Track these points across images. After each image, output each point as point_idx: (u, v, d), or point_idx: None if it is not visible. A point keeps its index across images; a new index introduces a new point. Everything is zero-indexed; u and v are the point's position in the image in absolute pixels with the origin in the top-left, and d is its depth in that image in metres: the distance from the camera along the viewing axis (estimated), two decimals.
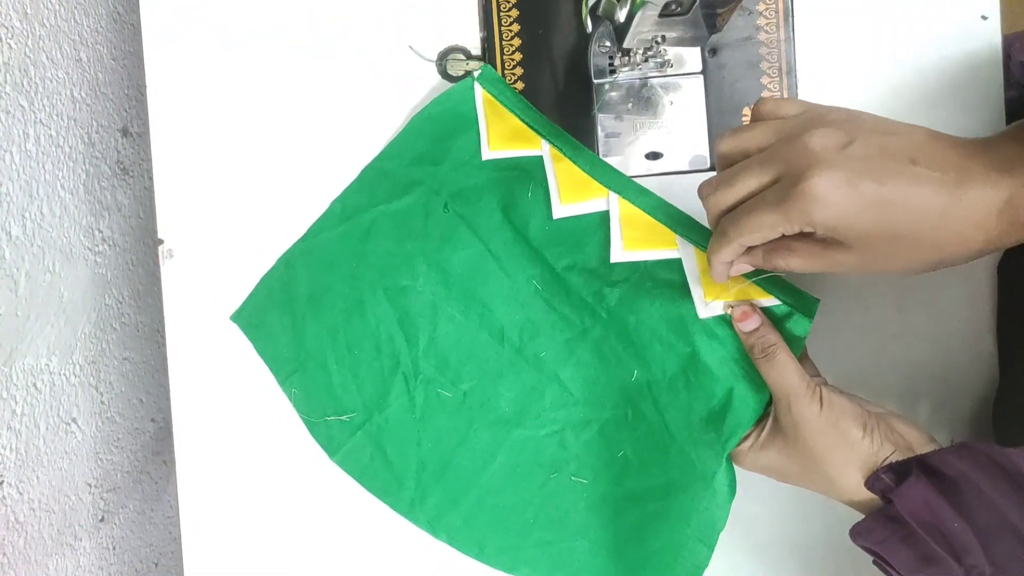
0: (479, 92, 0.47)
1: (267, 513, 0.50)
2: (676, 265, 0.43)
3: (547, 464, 0.46)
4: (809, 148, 0.32)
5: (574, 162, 0.45)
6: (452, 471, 0.46)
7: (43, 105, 0.53)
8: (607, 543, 0.45)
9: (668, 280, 0.43)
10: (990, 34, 0.47)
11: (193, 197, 0.50)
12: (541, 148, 0.46)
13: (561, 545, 0.46)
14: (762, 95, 0.40)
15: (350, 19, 0.49)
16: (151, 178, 0.50)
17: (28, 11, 0.51)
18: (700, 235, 0.43)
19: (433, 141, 0.47)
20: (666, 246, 0.43)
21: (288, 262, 0.49)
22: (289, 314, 0.48)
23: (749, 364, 0.41)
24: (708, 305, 0.42)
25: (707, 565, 0.42)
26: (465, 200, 0.46)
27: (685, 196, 0.48)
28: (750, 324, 0.40)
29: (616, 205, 0.44)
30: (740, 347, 0.42)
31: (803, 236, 0.34)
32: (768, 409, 0.41)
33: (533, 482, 0.46)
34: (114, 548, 0.62)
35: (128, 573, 0.64)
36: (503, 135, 0.46)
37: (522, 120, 0.46)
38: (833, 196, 0.31)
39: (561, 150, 0.45)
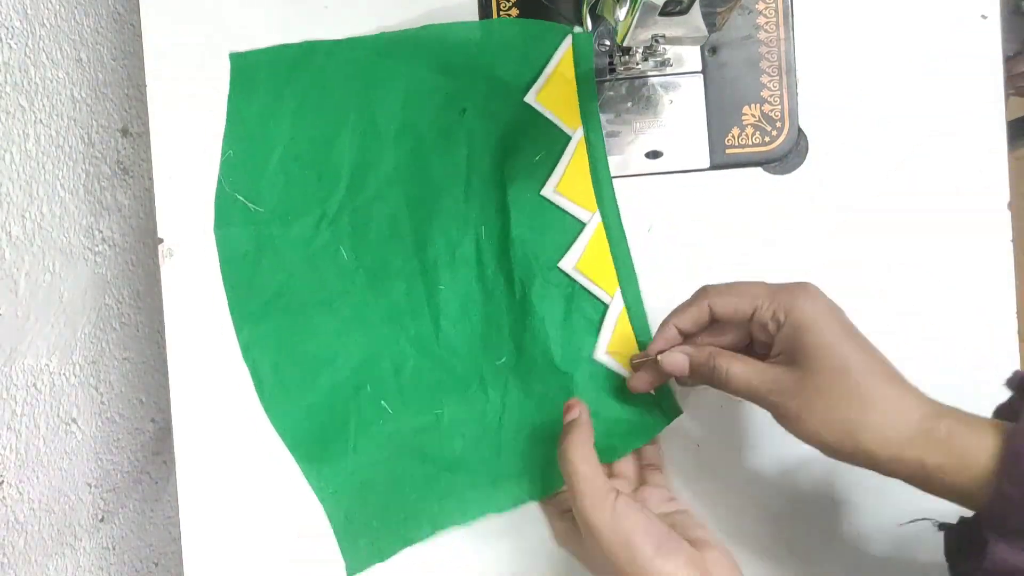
0: (565, 47, 0.46)
1: (267, 513, 0.50)
2: (600, 308, 0.47)
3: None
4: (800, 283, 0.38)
5: (590, 165, 0.46)
6: None
7: (43, 105, 0.53)
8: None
9: (587, 312, 0.47)
10: (990, 33, 0.47)
11: (193, 197, 0.49)
12: (575, 132, 0.46)
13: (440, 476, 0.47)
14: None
15: (349, 18, 0.49)
16: (151, 178, 0.50)
17: (28, 11, 0.51)
18: (635, 298, 0.47)
19: (490, 51, 0.47)
20: (606, 288, 0.46)
21: (312, 49, 0.48)
22: (277, 96, 0.48)
23: (623, 408, 0.46)
24: (607, 355, 0.46)
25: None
26: (481, 117, 0.47)
27: (684, 195, 0.48)
28: (570, 415, 0.41)
29: (592, 228, 0.46)
30: (618, 392, 0.46)
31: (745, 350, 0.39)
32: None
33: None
34: (114, 548, 0.62)
35: (128, 573, 0.64)
36: (555, 96, 0.46)
37: (579, 97, 0.46)
38: (822, 299, 0.36)
39: (589, 147, 0.46)
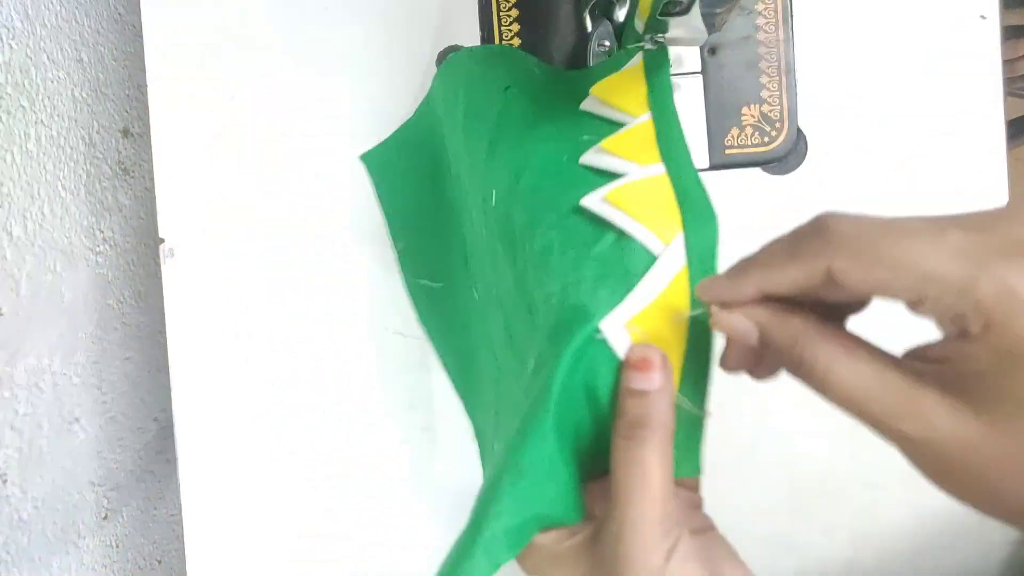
0: (636, 60, 0.37)
1: (270, 511, 0.50)
2: (643, 260, 0.29)
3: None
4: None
5: (659, 127, 0.33)
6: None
7: (44, 105, 0.53)
8: None
9: (614, 266, 0.29)
10: (989, 34, 0.47)
11: (194, 197, 0.50)
12: (638, 116, 0.34)
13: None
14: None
15: (349, 18, 0.49)
16: (152, 178, 0.50)
17: (29, 12, 0.51)
18: (707, 250, 0.29)
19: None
20: (656, 231, 0.29)
21: (424, 114, 0.46)
22: (414, 169, 0.46)
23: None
24: (623, 328, 0.27)
25: None
26: (522, 93, 0.39)
27: None
28: (643, 381, 0.25)
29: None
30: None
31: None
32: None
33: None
34: (117, 546, 0.63)
35: (131, 571, 0.65)
36: (616, 85, 0.36)
37: (650, 88, 0.35)
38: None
39: (659, 122, 0.34)
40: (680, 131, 0.33)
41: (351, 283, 0.51)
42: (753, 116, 0.47)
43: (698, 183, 0.30)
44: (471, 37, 0.48)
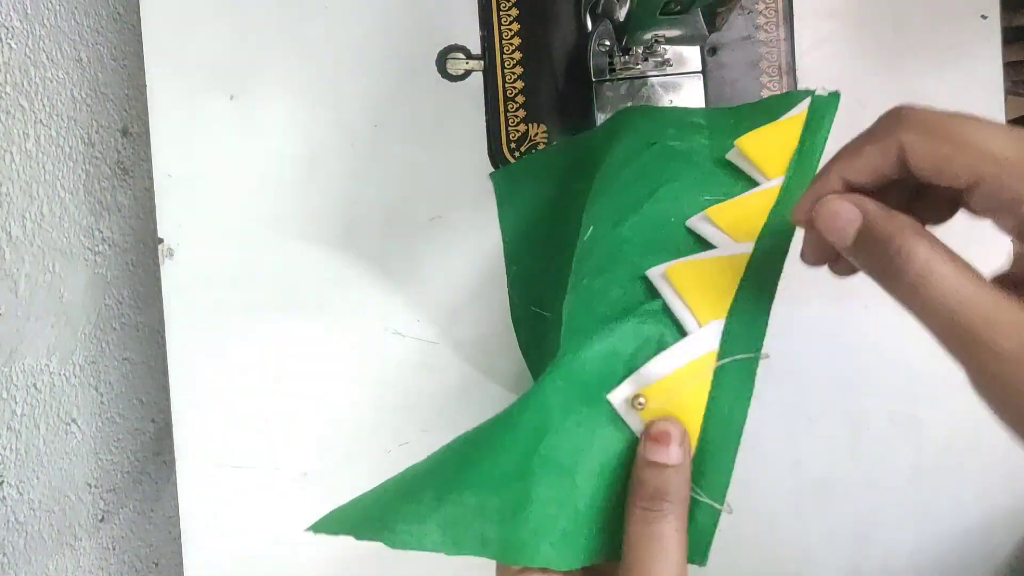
0: (800, 108, 0.35)
1: (267, 513, 0.50)
2: (673, 333, 0.29)
3: None
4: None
5: (773, 210, 0.31)
6: None
7: (43, 105, 0.53)
8: None
9: (647, 332, 0.29)
10: (990, 34, 0.47)
11: (193, 197, 0.49)
12: (772, 180, 0.33)
13: None
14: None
15: (349, 18, 0.49)
16: (151, 178, 0.50)
17: (28, 11, 0.51)
18: (750, 343, 0.28)
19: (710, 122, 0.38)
20: (698, 313, 0.29)
21: (571, 145, 0.45)
22: (542, 195, 0.45)
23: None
24: (623, 403, 0.27)
25: None
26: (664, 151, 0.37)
27: None
28: (663, 454, 0.25)
29: (727, 251, 0.30)
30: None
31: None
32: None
33: None
34: (114, 548, 0.62)
35: (128, 573, 0.64)
36: (763, 144, 0.34)
37: (800, 151, 0.33)
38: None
39: (784, 192, 0.32)
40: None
41: (351, 284, 0.50)
42: None
43: (774, 276, 0.29)
44: (471, 37, 0.48)
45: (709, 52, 0.47)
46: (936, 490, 0.48)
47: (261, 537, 0.49)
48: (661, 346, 0.28)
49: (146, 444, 0.67)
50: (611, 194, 0.36)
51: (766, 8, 0.47)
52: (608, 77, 0.47)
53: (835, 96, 0.35)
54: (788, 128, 0.34)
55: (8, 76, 0.49)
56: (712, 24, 0.40)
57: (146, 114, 0.50)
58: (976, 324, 0.21)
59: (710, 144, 0.36)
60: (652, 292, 0.30)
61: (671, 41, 0.41)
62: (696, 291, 0.29)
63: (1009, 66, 0.51)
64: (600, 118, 0.47)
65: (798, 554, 0.47)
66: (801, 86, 0.47)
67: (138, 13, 0.49)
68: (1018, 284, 0.22)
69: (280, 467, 0.49)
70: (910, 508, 0.46)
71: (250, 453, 0.49)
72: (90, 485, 0.59)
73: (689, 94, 0.47)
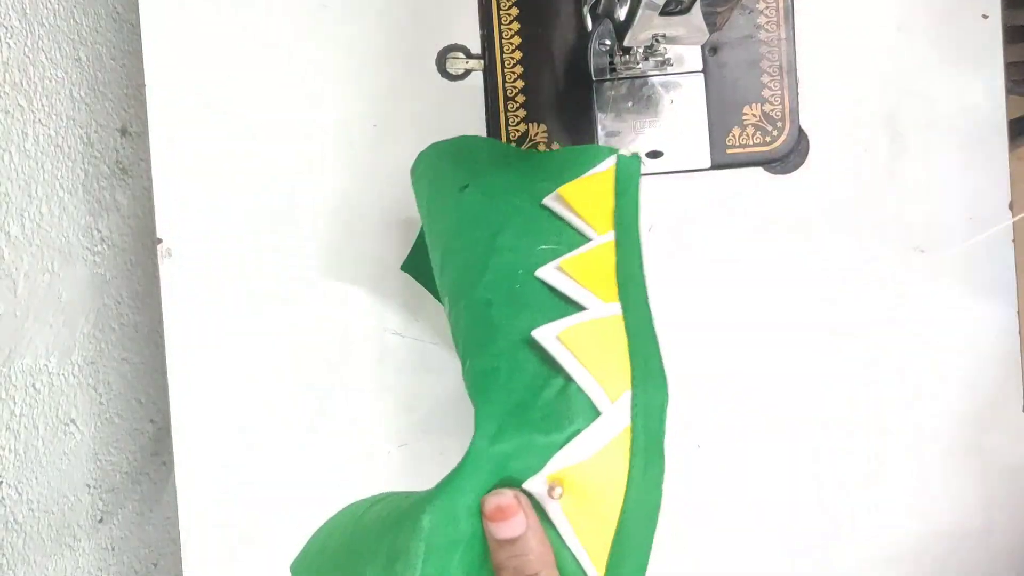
0: (607, 164, 0.35)
1: (266, 514, 0.49)
2: (587, 414, 0.28)
3: None
4: None
5: (618, 264, 0.32)
6: None
7: (42, 104, 0.53)
8: None
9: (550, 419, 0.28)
10: (991, 33, 0.47)
11: (192, 197, 0.49)
12: (602, 234, 0.33)
13: None
14: None
15: (349, 17, 0.49)
16: (150, 178, 0.50)
17: (27, 10, 0.51)
18: (655, 415, 0.28)
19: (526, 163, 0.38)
20: (605, 385, 0.28)
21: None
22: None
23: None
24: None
25: None
26: (481, 194, 0.37)
27: (684, 195, 0.48)
28: (507, 529, 0.25)
29: (599, 313, 0.30)
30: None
31: None
32: None
33: None
34: (113, 549, 0.62)
35: (127, 574, 0.64)
36: (583, 195, 0.34)
37: (617, 207, 0.33)
38: None
39: (620, 250, 0.32)
40: (640, 266, 0.32)
41: (349, 284, 0.50)
42: (755, 115, 0.47)
43: (651, 338, 0.29)
44: (471, 36, 0.48)
45: (710, 51, 0.47)
46: (936, 490, 0.48)
47: (260, 538, 0.49)
48: (572, 426, 0.27)
49: (145, 445, 0.67)
50: (452, 251, 0.36)
51: (767, 7, 0.47)
52: (608, 76, 0.47)
53: (636, 158, 0.34)
54: (601, 183, 0.34)
55: (7, 75, 0.49)
56: (713, 23, 0.40)
57: (145, 113, 0.49)
58: None
59: (520, 183, 0.36)
60: (543, 357, 0.29)
61: (671, 41, 0.41)
62: (596, 361, 0.28)
63: (1011, 66, 0.51)
64: (600, 117, 0.47)
65: (798, 553, 0.47)
66: (802, 86, 0.47)
67: (137, 12, 0.49)
68: None
69: (279, 468, 0.49)
70: (910, 508, 0.45)
71: (249, 454, 0.49)
72: (89, 486, 0.59)
73: (690, 93, 0.47)
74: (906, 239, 0.48)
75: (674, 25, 0.39)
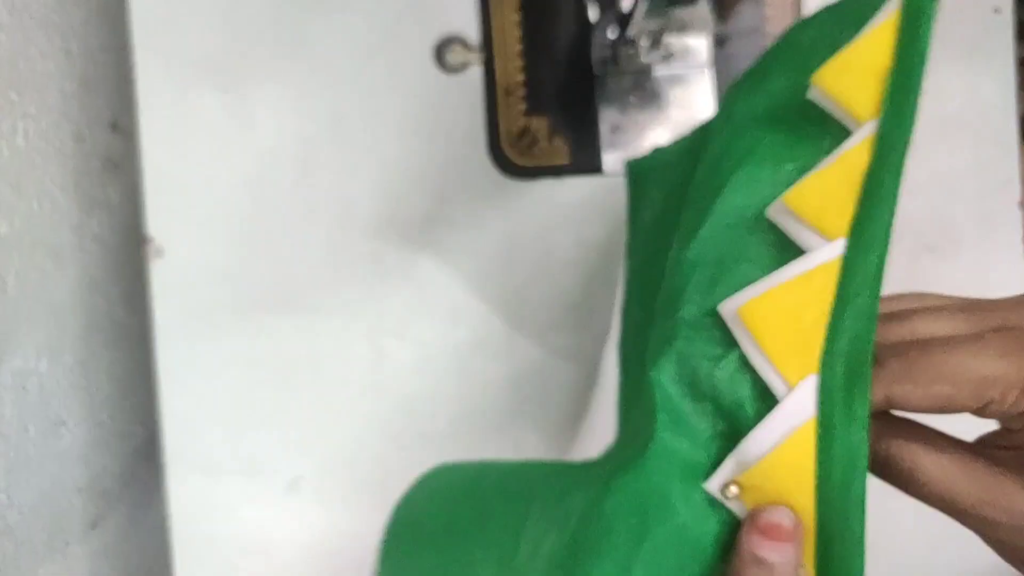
0: (887, 12, 0.24)
1: (261, 518, 0.49)
2: (762, 401, 0.23)
3: None
4: None
5: (867, 177, 0.24)
6: None
7: (32, 99, 0.52)
8: None
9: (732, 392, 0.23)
10: (1003, 28, 0.47)
11: (183, 194, 0.49)
12: (862, 124, 0.24)
13: None
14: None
15: (344, 9, 0.48)
16: (140, 174, 0.50)
17: (16, 2, 0.50)
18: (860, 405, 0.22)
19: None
20: (789, 366, 0.22)
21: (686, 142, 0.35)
22: (667, 186, 0.34)
23: None
24: (718, 491, 0.23)
25: None
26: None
27: None
28: (773, 551, 0.22)
29: (823, 258, 0.23)
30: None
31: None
32: None
33: None
34: (106, 554, 0.62)
35: None
36: (847, 65, 0.24)
37: (893, 77, 0.23)
38: None
39: (881, 149, 0.24)
40: (897, 173, 0.24)
41: (345, 284, 0.50)
42: None
43: (874, 292, 0.22)
44: (470, 27, 0.48)
45: (716, 44, 0.47)
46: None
47: (252, 543, 0.49)
48: (742, 413, 0.23)
49: (137, 447, 0.66)
50: (685, 200, 0.29)
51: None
52: (612, 70, 0.47)
53: None
54: (874, 44, 0.24)
55: None
56: (719, 16, 0.39)
57: (135, 108, 0.49)
58: (967, 503, 0.22)
59: (787, 85, 0.27)
60: (726, 337, 0.24)
61: (677, 32, 0.40)
62: (778, 337, 0.22)
63: (1023, 61, 0.51)
64: (603, 112, 0.47)
65: None
66: None
67: (127, 5, 0.49)
68: (1014, 445, 0.23)
69: (272, 471, 0.49)
70: (911, 509, 0.45)
71: (241, 457, 0.49)
72: (80, 489, 0.59)
73: (695, 87, 0.47)
74: (915, 238, 0.47)
75: (680, 16, 0.39)
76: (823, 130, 0.25)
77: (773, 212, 0.24)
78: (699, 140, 0.31)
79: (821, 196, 0.23)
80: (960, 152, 0.47)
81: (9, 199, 0.50)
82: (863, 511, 0.21)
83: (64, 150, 0.56)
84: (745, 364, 0.23)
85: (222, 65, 0.49)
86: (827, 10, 0.27)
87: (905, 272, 0.47)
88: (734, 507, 0.23)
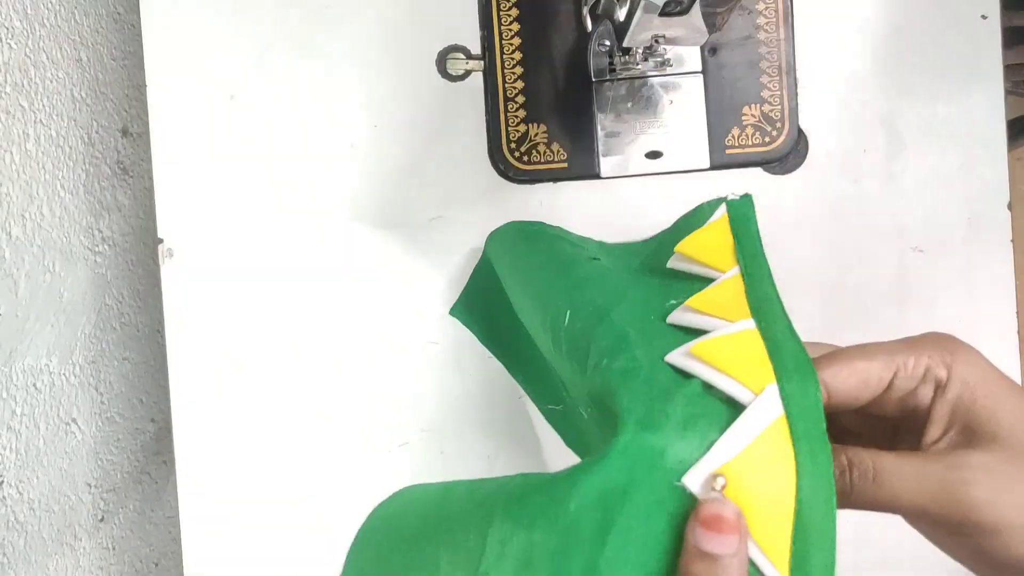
0: (719, 214, 0.35)
1: (267, 513, 0.50)
2: (723, 412, 0.26)
3: None
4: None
5: (747, 286, 0.31)
6: None
7: (43, 105, 0.53)
8: None
9: (699, 415, 0.27)
10: (990, 33, 0.47)
11: (193, 197, 0.49)
12: (726, 271, 0.32)
13: None
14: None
15: (349, 18, 0.49)
16: (151, 178, 0.50)
17: (28, 11, 0.51)
18: (811, 400, 0.26)
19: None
20: (745, 381, 0.26)
21: (482, 265, 0.49)
22: (496, 309, 0.46)
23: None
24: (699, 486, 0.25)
25: None
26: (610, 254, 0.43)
27: (684, 195, 0.48)
28: (715, 543, 0.23)
29: (736, 328, 0.29)
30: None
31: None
32: None
33: None
34: (114, 548, 0.62)
35: (128, 573, 0.64)
36: (701, 241, 0.34)
37: (738, 244, 0.33)
38: (982, 356, 0.27)
39: (748, 278, 0.32)
40: (771, 284, 0.31)
41: (350, 283, 0.50)
42: (754, 116, 0.47)
43: (792, 337, 0.28)
44: (471, 37, 0.48)
45: (709, 52, 0.47)
46: None
47: (261, 537, 0.49)
48: (720, 417, 0.26)
49: (146, 444, 0.67)
50: (581, 287, 0.37)
51: (766, 8, 0.47)
52: (608, 77, 0.47)
53: (748, 198, 0.35)
54: (716, 231, 0.34)
55: (8, 76, 0.49)
56: (712, 24, 0.40)
57: (146, 113, 0.50)
58: (938, 498, 0.25)
59: (641, 266, 0.39)
60: (681, 377, 0.28)
61: (671, 41, 0.41)
62: (733, 364, 0.27)
63: (1009, 67, 0.51)
64: (600, 118, 0.47)
65: None
66: (801, 86, 0.47)
67: (138, 12, 0.49)
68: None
69: (279, 467, 0.49)
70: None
71: (249, 453, 0.49)
72: (90, 485, 0.59)
73: (689, 94, 0.47)
74: (905, 239, 0.48)
75: (673, 26, 0.39)
76: (690, 282, 0.33)
77: (676, 316, 0.31)
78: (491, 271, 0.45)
79: (716, 301, 0.31)
80: (949, 155, 0.48)
81: (21, 202, 0.50)
82: (834, 499, 0.24)
83: (75, 155, 0.56)
84: (705, 389, 0.27)
85: (231, 72, 0.49)
86: (670, 228, 0.39)
87: (895, 273, 0.48)
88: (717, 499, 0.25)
